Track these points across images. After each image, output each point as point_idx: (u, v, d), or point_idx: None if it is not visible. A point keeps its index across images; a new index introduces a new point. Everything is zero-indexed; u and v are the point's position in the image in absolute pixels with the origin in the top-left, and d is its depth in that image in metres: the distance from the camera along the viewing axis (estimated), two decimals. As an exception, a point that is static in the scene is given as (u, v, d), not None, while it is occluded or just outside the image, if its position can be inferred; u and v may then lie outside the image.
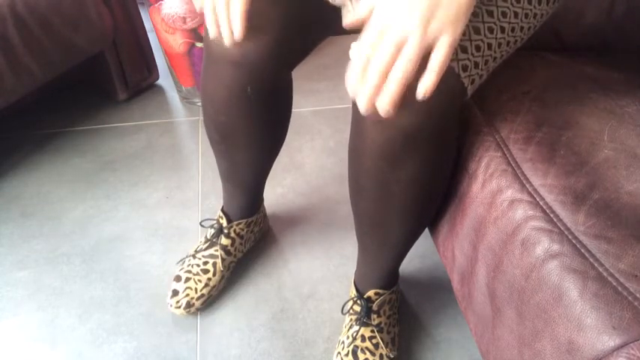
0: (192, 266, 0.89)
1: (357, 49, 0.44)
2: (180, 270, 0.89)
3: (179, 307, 0.85)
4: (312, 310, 0.89)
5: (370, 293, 0.78)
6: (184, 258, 0.92)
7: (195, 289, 0.87)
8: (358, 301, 0.80)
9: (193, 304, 0.86)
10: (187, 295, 0.86)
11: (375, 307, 0.79)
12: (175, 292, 0.87)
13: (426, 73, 0.43)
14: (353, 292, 0.81)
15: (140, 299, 0.91)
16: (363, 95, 0.44)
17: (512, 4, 0.51)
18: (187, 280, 0.87)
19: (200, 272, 0.88)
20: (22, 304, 0.91)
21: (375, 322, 0.79)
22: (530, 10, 0.53)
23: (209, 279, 0.88)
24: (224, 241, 0.89)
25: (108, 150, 1.25)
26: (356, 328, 0.79)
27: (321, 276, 0.95)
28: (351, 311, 0.81)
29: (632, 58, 0.74)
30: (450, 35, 0.42)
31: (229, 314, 0.89)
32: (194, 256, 0.90)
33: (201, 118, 1.35)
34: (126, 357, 0.83)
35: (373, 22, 0.43)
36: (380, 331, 0.79)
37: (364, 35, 0.44)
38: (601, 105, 0.59)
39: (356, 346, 0.78)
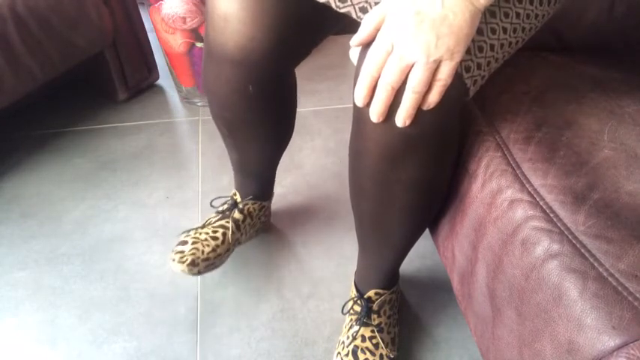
0: (200, 233, 0.86)
1: (364, 67, 0.47)
2: (187, 237, 0.86)
3: (184, 261, 0.81)
4: (312, 310, 0.89)
5: (370, 293, 0.78)
6: (190, 229, 0.89)
7: (202, 251, 0.83)
8: (358, 301, 0.80)
9: (198, 263, 0.82)
10: (194, 254, 0.82)
11: (375, 307, 0.79)
12: (181, 250, 0.83)
13: (431, 91, 0.47)
14: (353, 292, 0.81)
15: (140, 299, 0.91)
16: (374, 110, 0.49)
17: (514, 4, 0.52)
18: (195, 242, 0.84)
19: (209, 238, 0.86)
20: (22, 304, 0.91)
21: (375, 322, 0.79)
22: (532, 10, 0.53)
23: (217, 245, 0.85)
24: (237, 214, 0.88)
25: (108, 150, 1.25)
26: (356, 328, 0.79)
27: (321, 276, 0.95)
28: (351, 311, 0.81)
29: (632, 58, 0.74)
30: (451, 60, 0.45)
31: (229, 314, 0.89)
32: (203, 227, 0.88)
33: (201, 118, 1.35)
34: (126, 357, 0.83)
35: (379, 42, 0.46)
36: (380, 331, 0.79)
37: (369, 54, 0.47)
38: (601, 105, 0.59)
39: (356, 346, 0.77)
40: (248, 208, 0.90)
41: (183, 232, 0.89)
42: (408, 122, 0.48)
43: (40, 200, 1.11)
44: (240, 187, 0.89)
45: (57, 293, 0.92)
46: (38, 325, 0.87)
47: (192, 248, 0.83)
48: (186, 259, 0.81)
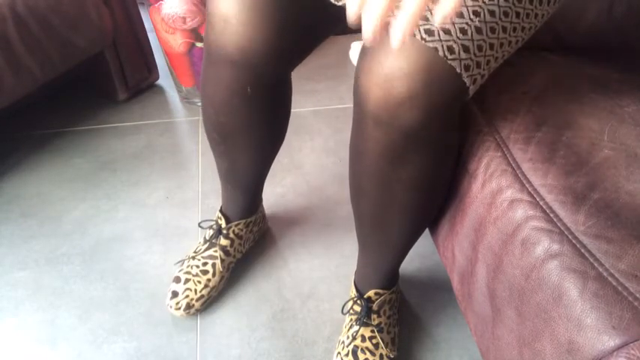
0: (191, 267, 0.89)
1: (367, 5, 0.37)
2: (180, 271, 0.89)
3: (179, 308, 0.85)
4: (312, 310, 0.89)
5: (370, 293, 0.78)
6: (183, 259, 0.92)
7: (195, 290, 0.87)
8: (358, 301, 0.80)
9: (193, 305, 0.86)
10: (187, 296, 0.86)
11: (375, 307, 0.79)
12: (175, 294, 0.87)
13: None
14: (353, 292, 0.81)
15: (140, 299, 0.91)
16: (367, 24, 0.37)
17: (513, 3, 0.52)
18: (187, 281, 0.87)
19: (199, 273, 0.88)
20: (22, 304, 0.91)
21: (375, 322, 0.79)
22: (532, 10, 0.53)
23: (208, 280, 0.88)
24: (223, 241, 0.89)
25: (108, 150, 1.25)
26: (356, 328, 0.79)
27: (321, 276, 0.95)
28: (351, 311, 0.81)
29: (632, 58, 0.74)
30: None
31: (229, 314, 0.89)
32: (193, 258, 0.90)
33: (201, 118, 1.35)
34: (126, 357, 0.83)
35: None
36: (380, 331, 0.79)
37: None
38: (601, 105, 0.59)
39: (356, 346, 0.77)
40: (233, 231, 0.90)
41: (178, 262, 0.93)
42: (407, 38, 0.37)
43: (40, 200, 1.11)
44: (227, 202, 0.89)
45: (57, 293, 0.92)
46: (38, 325, 0.87)
47: (185, 290, 0.87)
48: (181, 305, 0.86)
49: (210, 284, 0.88)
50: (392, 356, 0.78)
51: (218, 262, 0.88)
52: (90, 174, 1.18)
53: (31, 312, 0.89)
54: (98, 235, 1.03)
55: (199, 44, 1.25)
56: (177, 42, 1.24)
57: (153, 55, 1.41)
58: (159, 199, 1.11)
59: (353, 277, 0.83)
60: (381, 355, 0.78)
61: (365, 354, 0.77)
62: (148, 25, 1.38)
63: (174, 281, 0.88)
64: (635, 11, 0.73)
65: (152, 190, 1.13)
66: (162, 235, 1.03)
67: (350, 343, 0.78)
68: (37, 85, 1.11)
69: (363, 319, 0.78)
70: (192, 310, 0.86)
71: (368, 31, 0.38)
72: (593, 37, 0.75)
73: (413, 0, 0.36)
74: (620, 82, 0.64)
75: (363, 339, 0.78)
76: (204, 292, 0.87)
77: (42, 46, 1.08)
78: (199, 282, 0.87)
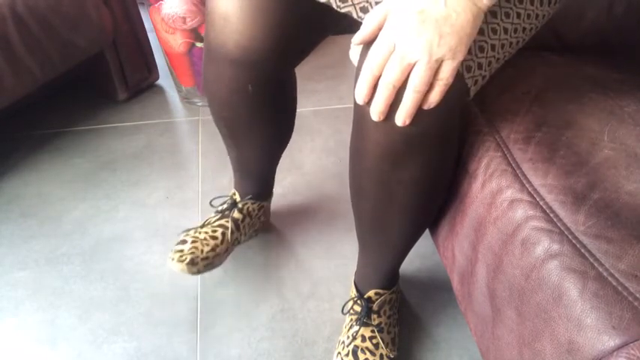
0: (199, 233, 0.86)
1: (365, 65, 0.47)
2: (186, 235, 0.86)
3: (182, 260, 0.80)
4: (312, 310, 0.89)
5: (370, 293, 0.78)
6: (189, 228, 0.88)
7: (202, 250, 0.83)
8: (358, 301, 0.80)
9: (197, 262, 0.82)
10: (193, 252, 0.82)
11: (375, 307, 0.79)
12: (181, 250, 0.83)
13: (432, 90, 0.47)
14: (353, 292, 0.81)
15: (140, 299, 0.91)
16: (375, 109, 0.49)
17: (514, 4, 0.52)
18: (194, 241, 0.84)
19: (208, 238, 0.85)
20: (22, 304, 0.91)
21: (375, 322, 0.79)
22: (532, 10, 0.53)
23: (216, 245, 0.85)
24: (236, 214, 0.88)
25: (108, 150, 1.25)
26: (356, 328, 0.79)
27: (321, 276, 0.95)
28: (351, 311, 0.81)
29: (632, 58, 0.74)
30: (453, 60, 0.45)
31: (229, 314, 0.89)
32: (202, 226, 0.88)
33: (201, 118, 1.35)
34: (126, 357, 0.83)
35: (381, 40, 0.46)
36: (380, 331, 0.79)
37: (371, 52, 0.47)
38: (601, 105, 0.59)
39: (356, 346, 0.78)
40: (247, 208, 0.90)
41: (183, 232, 0.89)
42: (407, 121, 0.48)
43: (40, 200, 1.11)
44: (239, 187, 0.89)
45: (57, 293, 0.92)
46: (38, 325, 0.87)
47: (192, 247, 0.83)
48: (185, 258, 0.81)
49: (217, 250, 0.85)
50: (392, 356, 0.78)
51: (228, 232, 0.87)
52: (90, 174, 1.18)
53: (31, 312, 0.89)
54: (98, 235, 1.03)
55: (199, 44, 1.25)
56: (177, 42, 1.24)
57: (153, 55, 1.41)
58: (159, 199, 1.11)
59: (353, 277, 0.83)
60: (381, 355, 0.78)
61: (365, 354, 0.77)
62: (148, 25, 1.38)
63: (179, 243, 0.84)
64: (635, 11, 0.73)
65: (152, 190, 1.13)
66: (163, 235, 1.03)
67: (350, 343, 0.78)
68: (37, 85, 1.11)
69: (363, 319, 0.78)
70: (195, 269, 0.82)
71: (375, 112, 0.49)
72: (593, 37, 0.75)
73: (415, 91, 0.46)
74: (620, 82, 0.64)
75: (363, 339, 0.78)
76: (210, 254, 0.84)
77: (42, 46, 1.08)
78: (207, 244, 0.84)
